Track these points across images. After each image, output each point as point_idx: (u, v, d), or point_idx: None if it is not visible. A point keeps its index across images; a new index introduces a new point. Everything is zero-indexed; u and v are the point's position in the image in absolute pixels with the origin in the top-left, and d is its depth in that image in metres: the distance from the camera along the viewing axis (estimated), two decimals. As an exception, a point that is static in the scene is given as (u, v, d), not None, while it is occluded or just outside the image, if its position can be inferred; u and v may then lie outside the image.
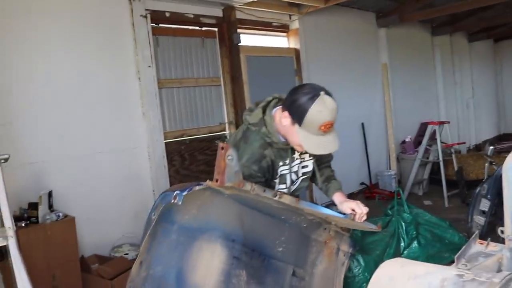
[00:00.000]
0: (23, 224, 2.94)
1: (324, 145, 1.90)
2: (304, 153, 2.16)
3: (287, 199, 1.83)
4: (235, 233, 1.85)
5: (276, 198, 1.78)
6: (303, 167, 2.20)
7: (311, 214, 2.00)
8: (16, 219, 2.96)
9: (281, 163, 2.07)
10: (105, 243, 3.73)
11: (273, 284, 1.98)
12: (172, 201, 1.60)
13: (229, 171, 1.59)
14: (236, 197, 1.76)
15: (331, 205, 2.07)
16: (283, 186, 2.12)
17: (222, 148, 1.56)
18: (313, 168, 2.26)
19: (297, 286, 2.06)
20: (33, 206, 3.06)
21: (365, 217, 2.07)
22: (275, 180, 2.09)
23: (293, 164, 2.12)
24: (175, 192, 1.60)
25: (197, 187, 1.62)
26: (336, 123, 2.19)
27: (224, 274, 1.82)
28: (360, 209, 2.07)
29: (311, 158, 2.21)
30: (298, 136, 1.91)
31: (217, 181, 1.57)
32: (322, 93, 1.86)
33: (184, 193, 1.59)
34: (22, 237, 2.82)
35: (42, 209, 3.04)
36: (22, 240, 2.78)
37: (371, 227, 2.21)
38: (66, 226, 3.12)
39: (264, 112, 2.04)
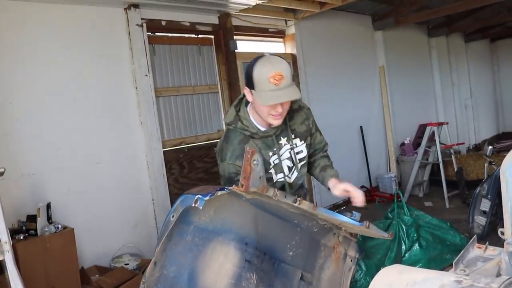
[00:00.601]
0: (21, 237, 2.92)
1: (278, 95, 1.87)
2: (294, 138, 2.15)
3: (305, 205, 1.84)
4: (249, 236, 1.87)
5: (296, 204, 1.79)
6: (297, 153, 2.16)
7: (325, 220, 1.99)
8: (15, 232, 2.97)
9: (270, 153, 2.07)
10: (105, 253, 3.72)
11: (282, 287, 1.98)
12: (193, 205, 1.58)
13: (254, 176, 1.60)
14: (252, 201, 1.77)
15: (344, 211, 2.04)
16: (280, 175, 2.10)
17: (249, 153, 1.56)
18: (307, 155, 2.23)
19: None
20: (32, 218, 3.04)
21: (362, 200, 2.01)
22: (270, 171, 2.06)
23: (283, 151, 2.11)
24: (197, 196, 1.58)
25: (220, 192, 1.61)
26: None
27: (235, 277, 1.84)
28: (354, 190, 2.01)
29: (302, 142, 2.18)
30: (256, 99, 1.92)
31: (242, 186, 1.58)
32: (266, 54, 1.94)
33: (206, 198, 1.57)
34: (21, 250, 2.82)
35: (41, 222, 3.03)
36: (21, 253, 2.78)
37: (383, 235, 2.19)
38: (65, 238, 3.11)
39: (238, 109, 2.08)
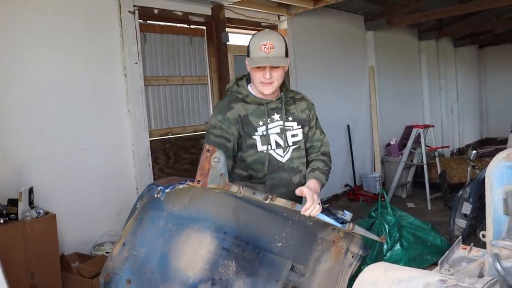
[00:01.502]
0: (1, 221, 2.87)
1: (264, 60, 2.06)
2: (291, 121, 2.22)
3: (281, 202, 1.82)
4: (228, 226, 1.88)
5: (267, 202, 1.78)
6: (292, 135, 2.22)
7: (310, 217, 1.98)
8: (-5, 215, 2.91)
9: (261, 123, 2.15)
10: (87, 241, 3.69)
11: (267, 276, 2.00)
12: (156, 195, 1.62)
13: (213, 173, 1.60)
14: (232, 193, 1.78)
15: (327, 210, 2.00)
16: (264, 147, 2.13)
17: (208, 151, 1.57)
18: (304, 145, 2.27)
19: (295, 281, 2.07)
20: (13, 202, 2.99)
21: (312, 212, 1.89)
22: (254, 137, 2.12)
23: (273, 125, 2.17)
24: (159, 188, 1.62)
25: (180, 186, 1.64)
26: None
27: (210, 262, 1.86)
28: (309, 200, 1.89)
29: (299, 127, 2.24)
30: (247, 64, 2.11)
31: (199, 182, 1.58)
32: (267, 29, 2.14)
33: (167, 190, 1.61)
34: (0, 234, 2.78)
35: (22, 206, 2.97)
36: (0, 237, 2.74)
37: (374, 237, 2.19)
38: (47, 224, 3.06)
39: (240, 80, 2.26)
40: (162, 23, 4.47)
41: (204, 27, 4.83)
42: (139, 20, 4.10)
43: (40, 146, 3.44)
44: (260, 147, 2.13)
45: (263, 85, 2.11)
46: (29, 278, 2.91)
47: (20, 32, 3.36)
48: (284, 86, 2.26)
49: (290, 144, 2.20)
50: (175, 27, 4.60)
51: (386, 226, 3.93)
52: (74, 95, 3.66)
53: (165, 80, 4.47)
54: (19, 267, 2.86)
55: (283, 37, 2.15)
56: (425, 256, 3.91)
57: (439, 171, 6.43)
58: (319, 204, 1.92)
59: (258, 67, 2.08)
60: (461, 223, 4.30)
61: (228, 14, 4.92)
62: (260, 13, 5.36)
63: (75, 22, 3.69)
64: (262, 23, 5.49)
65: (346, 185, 6.76)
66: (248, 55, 2.12)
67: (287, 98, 2.26)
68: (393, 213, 4.06)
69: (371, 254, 3.75)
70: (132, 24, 4.00)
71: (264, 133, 2.14)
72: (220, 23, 4.80)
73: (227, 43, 4.85)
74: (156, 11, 4.30)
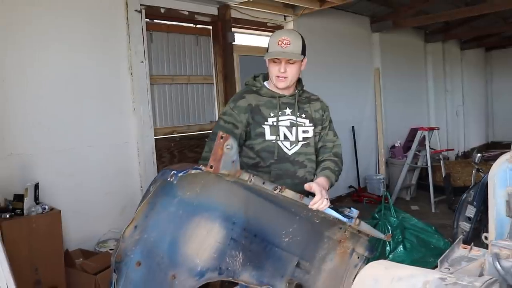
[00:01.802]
0: (7, 216, 2.89)
1: (280, 53, 2.18)
2: (304, 118, 2.30)
3: (289, 194, 1.87)
4: (237, 216, 1.90)
5: (276, 192, 1.83)
6: (303, 131, 2.29)
7: (317, 212, 1.99)
8: (1, 210, 2.94)
9: (272, 114, 2.24)
10: (91, 237, 3.70)
11: (273, 270, 2.00)
12: (169, 179, 1.66)
13: (226, 159, 1.65)
14: (243, 184, 1.82)
15: (334, 208, 2.01)
16: (273, 137, 2.22)
17: (221, 138, 1.62)
18: (314, 143, 2.34)
19: (300, 277, 2.07)
20: (19, 197, 3.01)
21: (320, 206, 1.92)
22: (263, 126, 2.22)
23: (283, 118, 2.25)
24: (172, 172, 1.67)
25: (193, 171, 1.68)
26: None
27: (218, 251, 1.88)
28: (318, 195, 1.94)
29: (311, 125, 2.32)
30: (265, 58, 2.24)
31: (211, 167, 1.63)
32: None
33: (180, 174, 1.66)
34: (6, 229, 2.79)
35: (28, 201, 3.00)
36: (5, 232, 2.76)
37: (379, 235, 2.19)
38: (52, 219, 3.08)
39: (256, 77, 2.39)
40: (168, 22, 4.49)
41: (210, 27, 4.85)
42: (146, 19, 4.13)
43: (45, 143, 3.47)
44: (269, 136, 2.22)
45: (278, 79, 2.22)
46: (33, 273, 2.93)
47: (26, 29, 3.39)
48: (300, 85, 2.37)
49: (300, 139, 2.28)
50: (181, 26, 4.62)
51: (389, 227, 3.93)
52: (80, 92, 3.69)
53: (170, 79, 4.49)
54: (24, 262, 2.88)
55: (302, 36, 2.25)
56: (428, 259, 3.91)
57: (443, 174, 6.41)
58: (327, 199, 1.96)
59: (275, 62, 2.20)
60: (465, 226, 4.28)
61: (234, 14, 4.93)
62: (266, 14, 5.37)
63: (82, 20, 3.71)
64: (268, 24, 5.50)
65: (350, 187, 6.76)
66: (267, 51, 2.23)
67: (301, 97, 2.35)
68: (397, 215, 4.06)
69: (374, 255, 3.75)
70: (138, 23, 4.03)
71: (274, 124, 2.23)
72: (226, 23, 4.82)
73: (233, 43, 4.87)
74: (162, 10, 4.33)
